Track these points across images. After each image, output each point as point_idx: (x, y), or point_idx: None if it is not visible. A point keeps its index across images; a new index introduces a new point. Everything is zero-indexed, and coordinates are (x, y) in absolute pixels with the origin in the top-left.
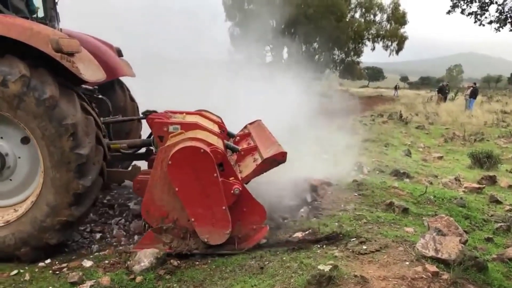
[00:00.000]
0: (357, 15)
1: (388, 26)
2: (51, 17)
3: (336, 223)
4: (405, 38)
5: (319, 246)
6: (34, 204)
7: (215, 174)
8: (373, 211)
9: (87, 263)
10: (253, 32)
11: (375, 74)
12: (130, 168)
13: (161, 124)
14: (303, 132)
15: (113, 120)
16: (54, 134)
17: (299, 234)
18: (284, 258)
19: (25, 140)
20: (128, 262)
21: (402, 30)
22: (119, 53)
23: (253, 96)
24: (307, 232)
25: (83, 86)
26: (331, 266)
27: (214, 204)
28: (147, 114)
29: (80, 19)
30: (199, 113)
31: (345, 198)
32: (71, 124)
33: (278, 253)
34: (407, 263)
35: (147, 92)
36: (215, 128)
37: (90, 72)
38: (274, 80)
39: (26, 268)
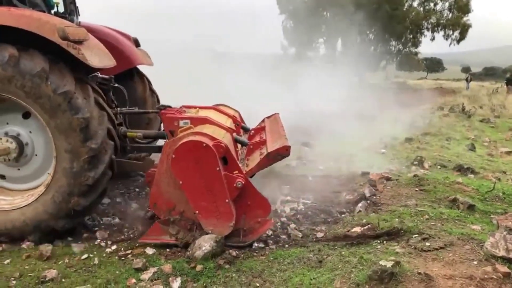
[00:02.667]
0: (415, 4)
1: (450, 15)
2: (70, 11)
3: (397, 219)
4: (468, 26)
5: (379, 241)
6: (45, 191)
7: (217, 168)
8: (436, 207)
9: (150, 251)
10: (306, 24)
11: (434, 65)
12: (144, 161)
13: (172, 119)
14: (359, 126)
15: (129, 111)
16: (67, 126)
17: (357, 229)
18: (343, 252)
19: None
20: (189, 251)
21: (465, 19)
22: (136, 43)
23: (305, 89)
24: (366, 227)
25: (100, 75)
26: (393, 262)
27: (217, 197)
28: (161, 108)
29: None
30: (214, 107)
31: (406, 193)
32: (84, 118)
33: (336, 247)
34: (475, 262)
35: (197, 85)
36: (228, 123)
37: (97, 58)
38: (327, 73)
39: (95, 253)
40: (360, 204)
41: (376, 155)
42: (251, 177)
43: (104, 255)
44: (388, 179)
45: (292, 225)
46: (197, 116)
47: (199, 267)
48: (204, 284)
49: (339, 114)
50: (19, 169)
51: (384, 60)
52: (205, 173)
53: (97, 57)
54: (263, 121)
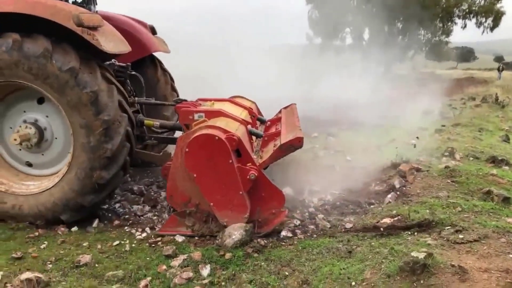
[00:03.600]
0: None
1: (482, 1)
2: (87, 0)
3: (428, 210)
4: (502, 13)
5: (409, 233)
6: (68, 169)
7: (230, 161)
8: (469, 199)
9: (179, 238)
10: (332, 14)
11: (465, 54)
12: (161, 153)
13: (186, 113)
14: (387, 116)
15: (146, 102)
16: (77, 102)
17: (387, 220)
18: (373, 243)
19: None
20: (219, 239)
21: (498, 5)
22: (153, 30)
23: (330, 80)
24: (396, 218)
25: (118, 63)
26: (425, 254)
27: (231, 190)
28: (178, 102)
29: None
30: (230, 100)
31: (437, 185)
32: (92, 91)
33: (365, 238)
34: (511, 255)
35: (223, 78)
36: (243, 115)
37: (112, 44)
38: (353, 63)
39: (126, 240)
40: (389, 195)
41: (405, 146)
42: (265, 168)
43: (135, 242)
44: (418, 170)
45: (320, 216)
46: (211, 109)
47: (228, 255)
48: (233, 272)
49: (366, 105)
50: (43, 154)
51: (413, 50)
52: (218, 166)
53: (111, 43)
54: (280, 111)
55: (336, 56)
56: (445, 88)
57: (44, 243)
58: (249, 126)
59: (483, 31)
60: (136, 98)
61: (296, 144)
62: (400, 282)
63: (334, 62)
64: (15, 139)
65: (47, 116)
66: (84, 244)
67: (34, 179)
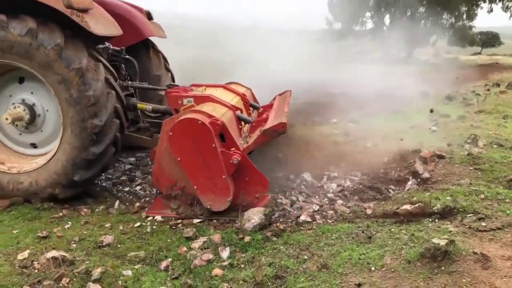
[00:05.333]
0: None
1: None
2: None
3: (449, 198)
4: None
5: (430, 220)
6: (59, 146)
7: (213, 145)
8: (492, 187)
9: (197, 221)
10: None
11: (490, 39)
12: (153, 137)
13: (175, 98)
14: (408, 103)
15: (139, 86)
16: (64, 79)
17: (407, 207)
18: (393, 229)
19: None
20: (238, 223)
21: None
22: (148, 15)
23: (350, 65)
24: (416, 205)
25: (112, 47)
26: (447, 241)
27: (214, 174)
28: (170, 87)
29: None
30: (224, 85)
31: (459, 172)
32: (78, 68)
33: (385, 224)
34: None
35: (238, 63)
36: (234, 101)
37: (102, 27)
38: (374, 49)
39: (147, 222)
40: (410, 182)
41: (426, 132)
42: (249, 153)
43: (156, 224)
44: (440, 157)
45: (340, 201)
46: (200, 94)
47: (247, 239)
48: (252, 255)
49: (386, 91)
50: (42, 131)
51: (435, 35)
52: (202, 150)
53: (101, 25)
54: (274, 98)
55: (356, 41)
56: (468, 74)
57: (68, 224)
58: (238, 112)
59: (511, 16)
60: (130, 82)
61: (279, 129)
62: (421, 268)
63: (354, 47)
64: (6, 118)
65: (32, 93)
66: (107, 225)
67: (41, 155)
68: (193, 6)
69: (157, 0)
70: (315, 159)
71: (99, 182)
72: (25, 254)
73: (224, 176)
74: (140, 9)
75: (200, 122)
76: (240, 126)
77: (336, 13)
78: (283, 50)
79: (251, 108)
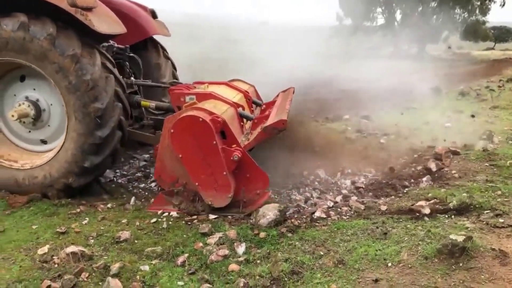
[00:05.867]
0: None
1: None
2: None
3: (466, 194)
4: None
5: (446, 216)
6: (66, 135)
7: (214, 142)
8: (509, 183)
9: (214, 217)
10: None
11: (503, 34)
12: (155, 134)
13: (178, 95)
14: (421, 99)
15: (143, 83)
16: (61, 66)
17: (423, 203)
18: (408, 226)
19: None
20: (253, 219)
21: None
22: (153, 14)
23: (361, 61)
24: (432, 201)
25: (117, 45)
26: (464, 237)
27: (215, 170)
28: (173, 84)
29: None
30: (226, 83)
31: (474, 169)
32: (72, 54)
33: (401, 220)
34: None
35: (250, 60)
36: (236, 98)
37: (106, 25)
38: (385, 45)
39: (163, 218)
40: (425, 178)
41: (440, 129)
42: (249, 150)
43: (172, 219)
44: (455, 153)
45: (354, 198)
46: (202, 91)
47: (262, 234)
48: (268, 251)
49: (398, 87)
50: (49, 125)
51: (447, 30)
52: (203, 146)
53: (105, 23)
54: (277, 95)
55: (367, 36)
56: (481, 69)
57: (86, 219)
58: (240, 109)
59: None
60: (134, 80)
61: (279, 126)
62: (438, 265)
63: (364, 43)
64: (12, 115)
65: (34, 89)
66: (123, 221)
67: (51, 149)
68: (203, 4)
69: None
70: (328, 155)
71: (114, 178)
72: (45, 249)
73: (225, 173)
74: (144, 8)
75: (201, 119)
76: (242, 123)
77: (347, 9)
78: (293, 46)
79: (254, 105)
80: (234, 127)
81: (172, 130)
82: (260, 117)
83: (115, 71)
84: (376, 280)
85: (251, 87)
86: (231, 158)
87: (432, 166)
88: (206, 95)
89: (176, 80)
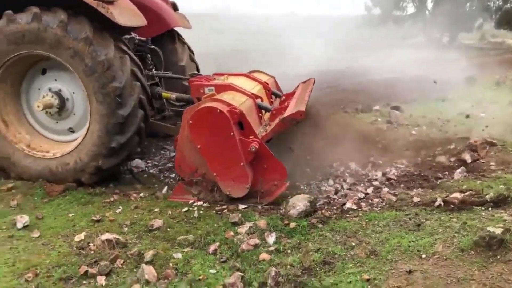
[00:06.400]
0: None
1: None
2: None
3: (503, 186)
4: None
5: (483, 208)
6: (90, 118)
7: (231, 133)
8: None
9: (242, 206)
10: None
11: None
12: (176, 125)
13: (197, 86)
14: (453, 88)
15: (164, 75)
16: (76, 51)
17: (457, 195)
18: (443, 217)
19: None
20: (283, 209)
21: None
22: (174, 6)
23: (391, 51)
24: (467, 193)
25: (138, 37)
26: (502, 229)
27: (232, 161)
28: (193, 76)
29: None
30: (246, 74)
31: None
32: (85, 37)
33: (434, 212)
34: None
35: (280, 52)
36: (255, 89)
37: (127, 18)
38: (416, 34)
39: (194, 207)
40: (459, 170)
41: (474, 119)
42: (267, 142)
43: (202, 209)
44: (491, 144)
45: (385, 189)
46: (221, 83)
47: (292, 225)
48: (298, 241)
49: (430, 77)
50: (74, 114)
51: (481, 18)
52: (220, 137)
53: (126, 16)
54: (298, 86)
55: (397, 26)
56: None
57: (119, 208)
58: (258, 100)
59: None
60: (155, 72)
61: (297, 117)
62: (475, 257)
63: (394, 32)
64: (38, 106)
65: (55, 80)
66: (156, 210)
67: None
68: None
69: None
70: (359, 147)
71: (146, 169)
72: (81, 236)
73: (242, 164)
74: (165, 0)
75: (218, 110)
76: (260, 115)
77: None
78: (321, 37)
79: (273, 96)
80: (252, 118)
81: (190, 121)
82: (278, 108)
83: (131, 52)
84: (410, 272)
85: (271, 78)
86: (249, 149)
87: (467, 157)
88: (225, 87)
89: (196, 72)
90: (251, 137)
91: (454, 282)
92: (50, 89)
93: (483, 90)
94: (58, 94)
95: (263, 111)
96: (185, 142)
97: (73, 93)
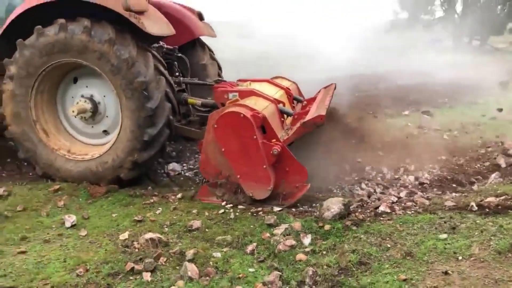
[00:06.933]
0: None
1: None
2: None
3: None
4: None
5: None
6: (122, 115)
7: (254, 136)
8: None
9: (277, 209)
10: None
11: None
12: (201, 129)
13: (222, 92)
14: (486, 94)
15: (190, 81)
16: (101, 53)
17: (492, 199)
18: (478, 221)
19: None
20: (317, 212)
21: None
22: (200, 16)
23: (420, 56)
24: (502, 198)
25: (166, 46)
26: None
27: (255, 163)
28: (217, 82)
29: None
30: (268, 80)
31: None
32: (108, 39)
33: (469, 216)
34: None
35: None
36: (278, 94)
37: (157, 27)
38: (444, 37)
39: (230, 209)
40: (493, 174)
41: (508, 124)
42: (289, 145)
43: (238, 211)
44: None
45: (419, 193)
46: (244, 89)
47: (327, 227)
48: (333, 243)
49: (461, 81)
50: (107, 116)
51: None
52: (244, 141)
53: (156, 25)
54: (319, 91)
55: (426, 30)
56: None
57: (159, 209)
58: (280, 105)
59: None
60: (182, 78)
61: (318, 121)
62: None
63: (423, 36)
64: (73, 111)
65: (87, 87)
66: (193, 211)
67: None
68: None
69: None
70: (390, 151)
71: (182, 172)
72: (126, 235)
73: (265, 166)
74: (192, 10)
75: (242, 115)
76: (282, 119)
77: (404, 3)
78: (351, 42)
79: (295, 101)
80: (274, 123)
81: (215, 125)
82: (300, 113)
83: (152, 50)
84: (447, 273)
85: (293, 84)
86: (271, 152)
87: (501, 162)
88: (248, 92)
89: (220, 78)
90: (273, 140)
91: (492, 283)
92: (82, 96)
93: None
94: (90, 99)
95: (285, 116)
96: (210, 145)
97: (104, 96)
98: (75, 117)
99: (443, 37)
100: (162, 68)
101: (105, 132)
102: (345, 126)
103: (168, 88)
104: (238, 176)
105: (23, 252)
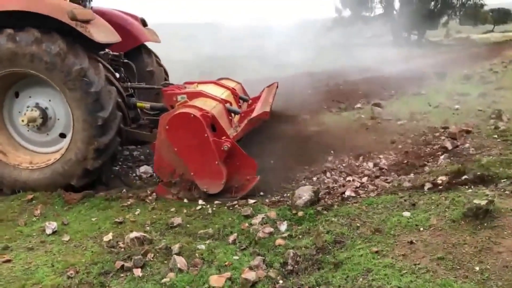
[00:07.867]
0: None
1: None
2: None
3: (482, 167)
4: None
5: (467, 187)
6: (72, 138)
7: (205, 135)
8: None
9: (252, 201)
10: None
11: (501, 17)
12: (152, 132)
13: (171, 95)
14: (427, 85)
15: (137, 86)
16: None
17: (443, 177)
18: (433, 197)
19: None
20: (289, 201)
21: None
22: (143, 22)
23: (362, 51)
24: (452, 176)
25: (111, 53)
26: (486, 201)
27: (208, 160)
28: (165, 86)
29: None
30: (214, 81)
31: (488, 145)
32: (95, 91)
33: (425, 193)
34: None
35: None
36: (224, 95)
37: (103, 35)
38: (384, 33)
39: (207, 205)
40: (442, 156)
41: (450, 111)
42: (238, 141)
43: (215, 206)
44: (468, 132)
45: (380, 177)
46: (192, 91)
47: (300, 213)
48: (308, 227)
49: (403, 74)
50: (58, 119)
51: (446, 16)
52: (195, 139)
53: (102, 33)
54: (263, 90)
55: (366, 26)
56: (483, 52)
57: (137, 210)
58: (227, 105)
59: None
60: (129, 84)
61: (263, 117)
62: (466, 226)
63: (364, 33)
64: (22, 120)
65: (30, 97)
66: (172, 209)
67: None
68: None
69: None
70: (349, 141)
71: (154, 174)
72: (109, 236)
73: (217, 162)
74: (135, 17)
75: (192, 115)
76: (230, 117)
77: (345, 1)
78: (294, 40)
79: (241, 101)
80: (223, 121)
81: (167, 127)
82: (246, 111)
83: (103, 61)
84: (411, 242)
85: (238, 84)
86: (222, 148)
87: (448, 144)
88: (196, 94)
89: (167, 82)
90: (223, 137)
91: (450, 246)
92: (28, 106)
93: (453, 84)
94: (37, 106)
95: (233, 114)
96: (162, 146)
97: (49, 100)
98: (28, 130)
99: (383, 32)
100: (113, 79)
101: (62, 135)
102: (303, 121)
103: (119, 98)
104: (192, 174)
105: (8, 261)
